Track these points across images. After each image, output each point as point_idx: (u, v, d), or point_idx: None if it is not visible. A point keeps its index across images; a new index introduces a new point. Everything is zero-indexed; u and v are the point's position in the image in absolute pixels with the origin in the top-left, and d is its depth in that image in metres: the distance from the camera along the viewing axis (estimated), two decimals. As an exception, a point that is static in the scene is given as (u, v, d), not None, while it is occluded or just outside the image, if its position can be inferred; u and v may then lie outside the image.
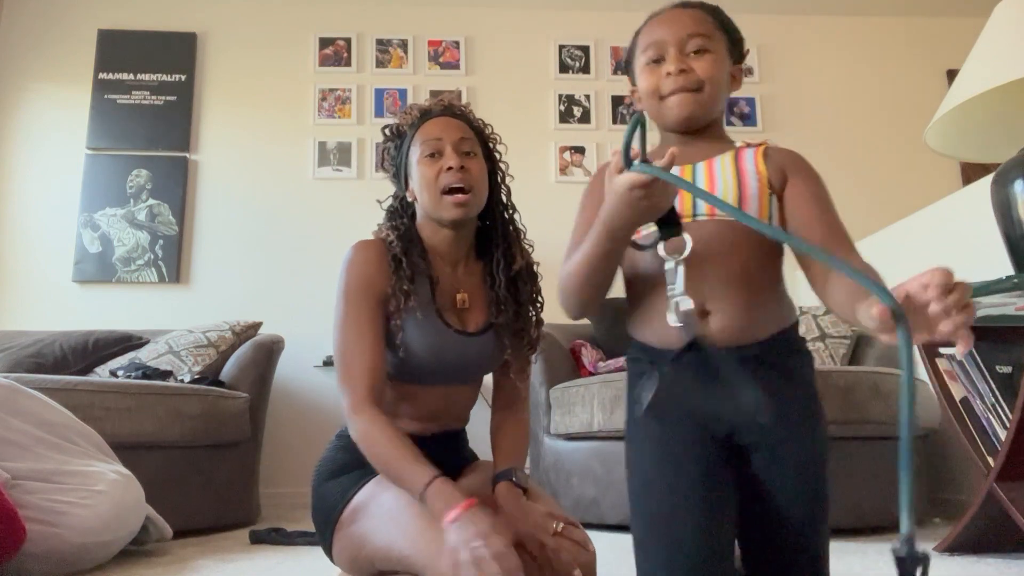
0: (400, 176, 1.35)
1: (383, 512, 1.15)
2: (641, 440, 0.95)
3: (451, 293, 1.31)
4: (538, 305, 1.36)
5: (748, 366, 0.90)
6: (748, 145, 1.01)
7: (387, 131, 1.38)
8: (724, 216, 0.92)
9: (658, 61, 1.00)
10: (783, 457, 0.91)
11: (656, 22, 1.02)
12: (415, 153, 1.29)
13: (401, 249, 1.26)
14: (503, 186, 1.38)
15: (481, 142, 1.34)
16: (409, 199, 1.34)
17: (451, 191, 1.25)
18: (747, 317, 0.91)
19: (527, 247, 1.38)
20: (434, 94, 3.71)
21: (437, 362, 1.26)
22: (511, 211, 1.39)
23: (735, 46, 1.06)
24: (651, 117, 1.03)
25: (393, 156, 1.37)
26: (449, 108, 1.35)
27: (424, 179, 1.27)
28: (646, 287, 0.96)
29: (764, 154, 0.98)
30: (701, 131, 1.02)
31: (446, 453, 1.32)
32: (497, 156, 1.38)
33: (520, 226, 1.39)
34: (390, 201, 1.41)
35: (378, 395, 1.18)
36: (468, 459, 1.42)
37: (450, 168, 1.25)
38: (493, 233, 1.36)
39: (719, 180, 0.96)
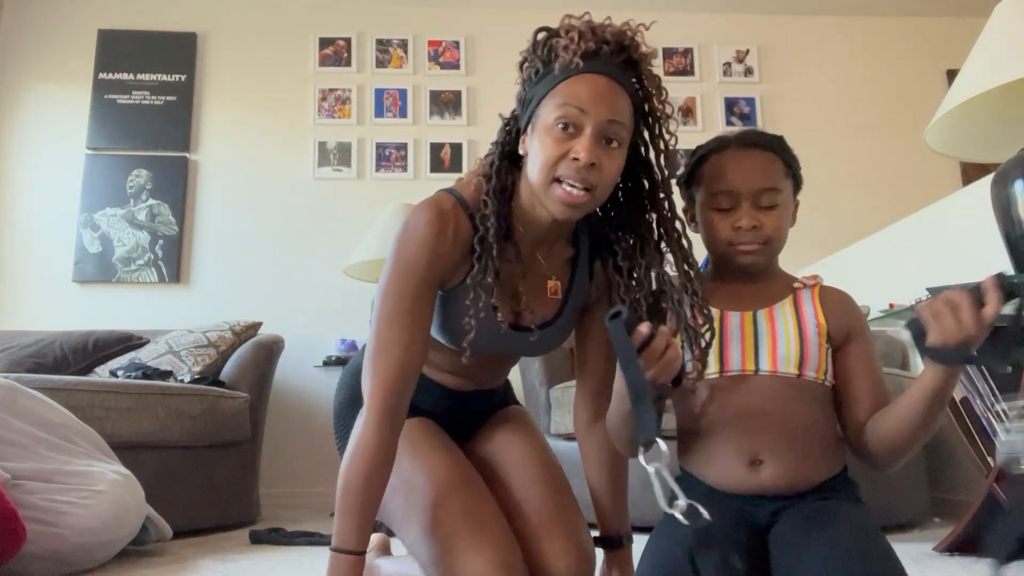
0: (524, 113, 1.05)
1: (399, 482, 1.07)
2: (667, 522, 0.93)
3: (520, 277, 1.10)
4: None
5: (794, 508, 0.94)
6: (804, 285, 1.05)
7: (540, 41, 1.05)
8: (786, 373, 0.98)
9: (728, 209, 1.02)
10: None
11: (730, 165, 1.02)
12: (549, 111, 0.99)
13: (495, 235, 1.02)
14: (659, 170, 1.05)
15: (641, 114, 1.04)
16: (521, 151, 1.06)
17: (566, 181, 0.98)
18: (799, 469, 0.96)
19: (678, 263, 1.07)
20: (434, 95, 3.74)
21: (479, 347, 1.09)
22: (668, 210, 1.06)
23: (797, 185, 1.08)
24: (712, 255, 1.07)
25: (528, 80, 1.05)
26: (618, 59, 1.00)
27: (543, 153, 0.98)
28: (701, 427, 1.00)
29: (820, 297, 1.03)
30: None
31: (476, 407, 1.28)
32: (659, 131, 1.04)
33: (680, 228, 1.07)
34: (507, 121, 1.11)
35: (398, 407, 1.01)
36: (500, 404, 1.32)
37: (576, 159, 0.96)
38: (638, 238, 1.08)
39: (780, 331, 1.00)
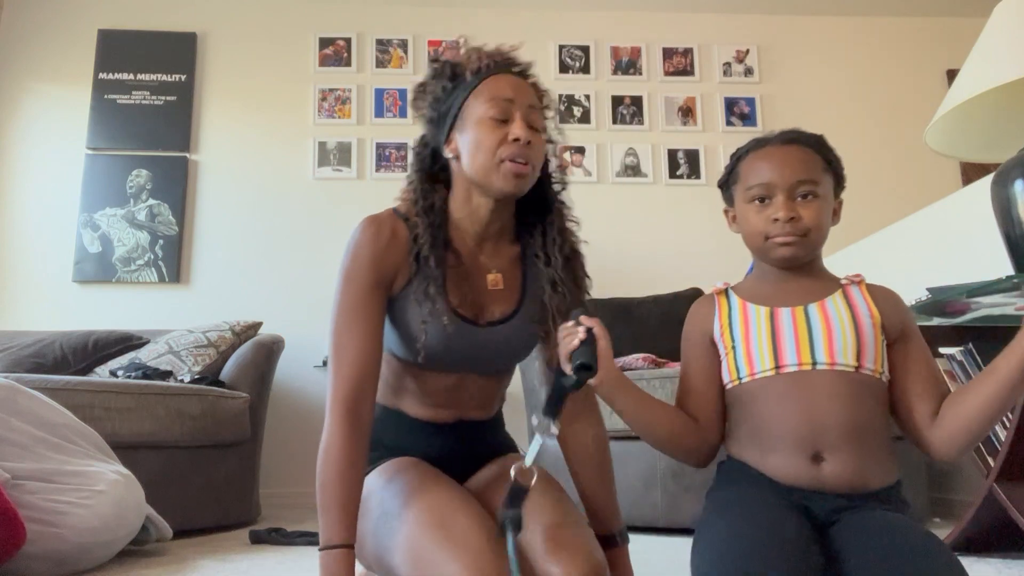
0: (443, 124, 1.17)
1: (379, 513, 1.10)
2: (724, 504, 0.96)
3: (468, 277, 1.18)
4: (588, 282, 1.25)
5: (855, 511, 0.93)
6: (851, 282, 1.05)
7: (438, 67, 1.19)
8: (845, 366, 0.97)
9: (763, 200, 1.02)
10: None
11: (765, 160, 1.03)
12: (477, 108, 1.12)
13: (430, 247, 1.11)
14: (553, 158, 1.24)
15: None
16: (448, 155, 1.17)
17: (512, 160, 1.11)
18: (859, 466, 0.95)
19: (573, 224, 1.24)
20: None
21: (442, 351, 1.14)
22: (562, 187, 1.25)
23: (838, 183, 1.07)
24: (752, 251, 1.07)
25: (439, 98, 1.18)
26: (520, 67, 1.18)
27: (484, 143, 1.11)
28: (759, 422, 1.00)
29: (869, 292, 1.04)
30: (802, 266, 1.05)
31: (464, 444, 1.24)
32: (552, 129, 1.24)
33: (568, 203, 1.25)
34: (418, 150, 1.23)
35: (358, 404, 1.07)
36: (497, 447, 1.30)
37: (516, 140, 1.10)
38: (543, 209, 1.22)
39: (835, 322, 0.99)
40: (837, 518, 0.94)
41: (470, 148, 1.12)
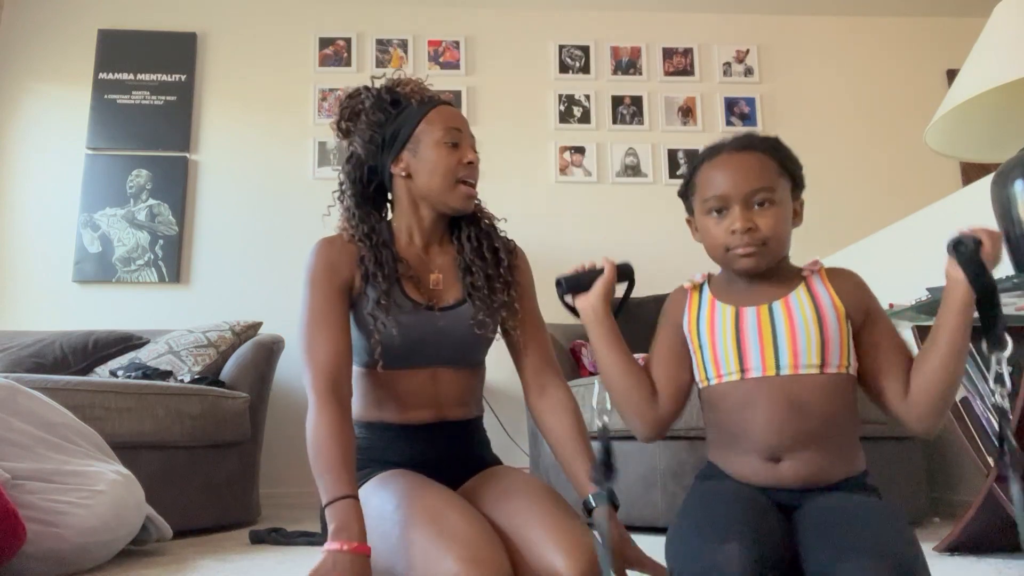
0: (390, 145, 1.32)
1: (371, 519, 1.11)
2: (689, 500, 0.98)
3: (418, 274, 1.30)
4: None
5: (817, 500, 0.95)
6: (811, 271, 1.04)
7: (380, 94, 1.34)
8: (808, 369, 0.97)
9: (720, 211, 1.00)
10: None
11: (719, 170, 1.01)
12: (432, 133, 1.29)
13: (374, 261, 1.25)
14: None
15: None
16: (398, 172, 1.32)
17: (465, 182, 1.30)
18: (819, 464, 0.96)
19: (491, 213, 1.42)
20: (434, 94, 3.74)
21: (406, 341, 1.22)
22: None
23: (796, 184, 1.04)
24: (715, 261, 1.06)
25: (380, 122, 1.33)
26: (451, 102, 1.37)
27: (443, 165, 1.28)
28: (725, 427, 1.01)
29: (829, 279, 1.03)
30: (767, 270, 1.04)
31: (449, 444, 1.28)
32: None
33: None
34: (351, 170, 1.39)
35: (338, 384, 1.16)
36: (483, 461, 1.35)
37: (470, 163, 1.29)
38: (472, 215, 1.38)
39: (799, 321, 0.99)
40: (800, 504, 0.96)
41: (427, 169, 1.28)
